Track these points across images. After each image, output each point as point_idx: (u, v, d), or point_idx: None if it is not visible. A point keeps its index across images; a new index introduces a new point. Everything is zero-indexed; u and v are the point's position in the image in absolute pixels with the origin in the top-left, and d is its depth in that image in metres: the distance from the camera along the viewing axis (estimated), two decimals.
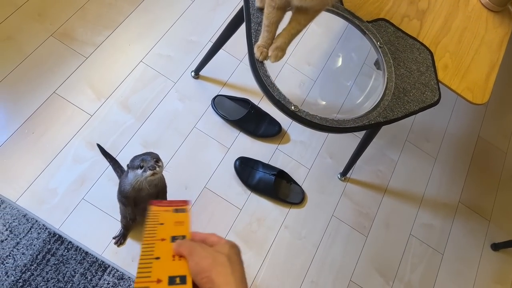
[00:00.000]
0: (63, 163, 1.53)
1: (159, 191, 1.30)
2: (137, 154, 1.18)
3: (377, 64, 1.17)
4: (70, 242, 1.43)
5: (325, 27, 1.94)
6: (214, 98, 1.78)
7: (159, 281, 0.52)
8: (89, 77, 1.68)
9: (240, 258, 0.53)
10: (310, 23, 0.95)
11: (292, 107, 0.98)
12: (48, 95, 1.61)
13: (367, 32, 1.14)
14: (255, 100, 1.82)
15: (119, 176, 1.50)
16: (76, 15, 1.78)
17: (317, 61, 1.91)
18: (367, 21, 1.15)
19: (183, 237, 0.61)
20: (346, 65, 1.32)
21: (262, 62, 1.01)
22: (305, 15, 0.92)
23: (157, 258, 0.55)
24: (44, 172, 1.50)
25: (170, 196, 1.38)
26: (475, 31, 1.28)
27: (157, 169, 1.15)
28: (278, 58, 0.98)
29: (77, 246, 1.43)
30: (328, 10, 1.13)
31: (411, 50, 1.16)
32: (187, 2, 1.96)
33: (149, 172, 1.14)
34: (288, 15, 0.99)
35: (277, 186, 1.67)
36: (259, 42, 1.02)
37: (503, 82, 2.40)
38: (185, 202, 0.68)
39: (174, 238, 0.60)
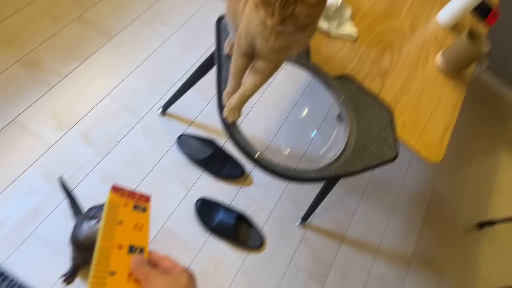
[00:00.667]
0: (16, 194, 1.46)
1: None
2: (96, 205, 1.16)
3: (339, 118, 1.21)
4: (12, 279, 1.35)
5: (292, 78, 2.01)
6: (179, 137, 1.78)
7: None
8: (52, 107, 1.65)
9: None
10: (266, 81, 0.98)
11: (256, 155, 1.00)
12: (7, 121, 1.56)
13: (331, 87, 1.18)
14: (220, 141, 1.83)
15: (75, 214, 1.45)
16: (46, 44, 1.77)
17: (284, 108, 1.96)
18: (332, 76, 1.20)
19: (141, 250, 0.59)
20: (310, 116, 1.37)
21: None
22: (261, 76, 0.96)
23: (113, 273, 0.54)
24: None
25: None
26: (432, 93, 1.36)
27: None
28: (235, 117, 1.01)
29: (21, 284, 1.35)
30: (295, 64, 1.18)
31: (372, 107, 1.21)
32: (160, 41, 1.99)
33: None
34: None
35: (236, 229, 1.66)
36: (227, 89, 1.04)
37: (456, 142, 2.53)
38: (147, 198, 0.67)
39: (132, 249, 0.59)
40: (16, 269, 1.37)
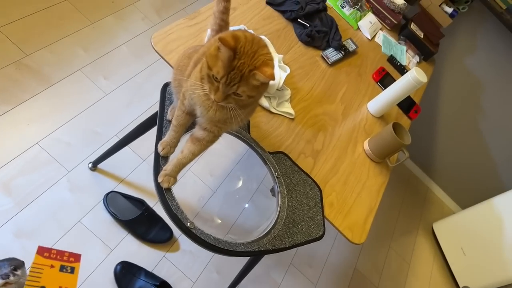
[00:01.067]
0: None
1: None
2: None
3: (272, 191, 1.25)
4: None
5: (230, 147, 2.05)
6: (107, 194, 1.72)
7: None
8: None
9: None
10: (204, 150, 1.01)
11: (188, 224, 0.99)
12: None
13: (267, 162, 1.23)
14: (150, 202, 1.78)
15: None
16: None
17: (219, 174, 1.97)
18: (268, 151, 1.25)
19: None
20: (244, 186, 1.39)
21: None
22: (199, 145, 0.99)
23: None
24: None
25: None
26: (359, 176, 1.46)
27: (11, 278, 1.02)
28: (170, 184, 1.02)
29: None
30: (235, 136, 1.22)
31: (303, 184, 1.26)
32: (100, 95, 1.97)
33: (0, 281, 1.01)
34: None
35: None
36: (164, 139, 1.05)
37: (379, 222, 2.67)
38: (76, 258, 0.64)
39: None
40: None
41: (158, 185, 1.02)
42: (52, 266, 0.63)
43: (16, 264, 1.06)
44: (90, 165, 1.74)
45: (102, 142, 1.84)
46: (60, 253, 0.64)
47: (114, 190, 1.74)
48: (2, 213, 1.50)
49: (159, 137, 1.07)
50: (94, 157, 1.76)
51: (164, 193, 1.01)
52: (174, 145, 1.04)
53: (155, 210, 1.77)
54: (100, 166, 1.77)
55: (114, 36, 2.21)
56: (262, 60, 0.80)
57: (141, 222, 1.70)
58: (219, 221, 1.34)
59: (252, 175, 1.40)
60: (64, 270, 0.62)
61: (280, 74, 1.39)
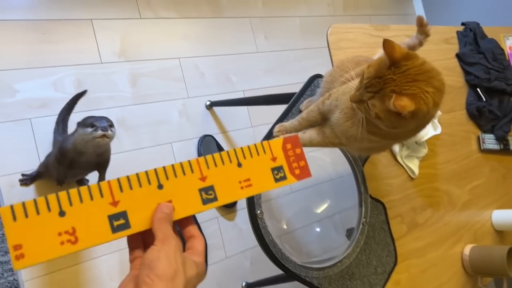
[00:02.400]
0: (43, 78, 1.45)
1: (100, 162, 1.21)
2: (94, 116, 1.12)
3: (348, 233, 1.15)
4: None
5: (335, 164, 1.96)
6: (206, 135, 1.75)
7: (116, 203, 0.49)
8: (127, 34, 1.65)
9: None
10: (321, 146, 0.94)
11: (258, 212, 0.95)
12: (84, 17, 1.57)
13: (362, 203, 1.13)
14: None
15: (55, 130, 1.37)
16: None
17: (307, 181, 1.90)
18: (370, 194, 1.15)
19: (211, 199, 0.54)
20: (325, 211, 1.31)
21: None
22: (321, 139, 0.92)
23: (160, 186, 0.51)
24: (21, 71, 1.41)
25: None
26: (441, 274, 1.29)
27: (109, 132, 1.07)
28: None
29: None
30: (348, 160, 1.13)
31: (383, 247, 1.15)
32: (252, 48, 1.99)
33: (99, 132, 1.06)
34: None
35: None
36: (285, 123, 1.01)
37: None
38: (301, 175, 0.61)
39: (201, 191, 0.54)
40: None
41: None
42: (273, 159, 0.59)
43: (111, 122, 1.11)
44: (208, 103, 1.78)
45: (230, 90, 1.87)
46: (298, 157, 0.61)
47: (213, 136, 1.77)
48: (119, 98, 1.59)
49: (281, 119, 1.03)
50: (215, 98, 1.79)
51: None
52: (290, 133, 0.99)
53: None
54: (215, 108, 1.80)
55: (294, 5, 2.20)
56: (413, 92, 0.67)
57: None
58: (285, 227, 1.29)
59: (339, 205, 1.31)
60: (274, 172, 0.59)
61: (429, 130, 1.26)
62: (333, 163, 1.28)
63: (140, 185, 0.51)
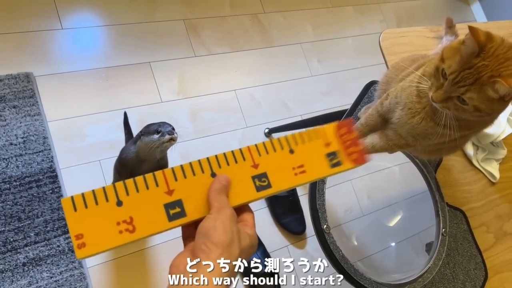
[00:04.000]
0: (109, 121, 1.53)
1: (160, 167, 1.22)
2: (154, 122, 1.14)
3: (428, 247, 1.06)
4: (59, 187, 1.39)
5: (405, 177, 1.85)
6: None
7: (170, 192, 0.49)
8: (184, 72, 1.72)
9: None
10: (383, 151, 0.88)
11: (325, 226, 0.90)
12: (142, 60, 1.65)
13: (440, 213, 1.04)
14: (299, 191, 1.74)
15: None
16: (215, 20, 1.86)
17: (378, 200, 1.81)
18: (447, 202, 1.06)
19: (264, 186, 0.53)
20: (398, 225, 1.22)
21: None
22: (384, 143, 0.86)
23: (213, 174, 0.51)
24: (88, 116, 1.50)
25: None
26: None
27: (175, 135, 1.08)
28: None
29: (62, 195, 1.39)
30: (418, 168, 1.06)
31: (469, 259, 1.04)
32: (306, 73, 1.98)
33: (167, 137, 1.07)
34: None
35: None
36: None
37: None
38: (357, 159, 0.57)
39: (254, 179, 0.53)
40: (67, 181, 1.42)
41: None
42: (326, 145, 0.57)
43: (172, 126, 1.12)
44: (267, 130, 1.78)
45: (287, 116, 1.86)
46: (353, 142, 0.57)
47: None
48: (181, 133, 1.63)
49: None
50: (273, 125, 1.79)
51: (316, 184, 0.93)
52: None
53: (300, 201, 1.72)
54: (274, 135, 1.79)
55: (346, 26, 2.19)
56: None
57: (283, 203, 1.68)
58: (355, 243, 1.21)
59: (414, 217, 1.22)
60: (330, 157, 0.56)
61: (506, 127, 1.16)
62: (401, 171, 1.20)
63: (194, 174, 0.51)
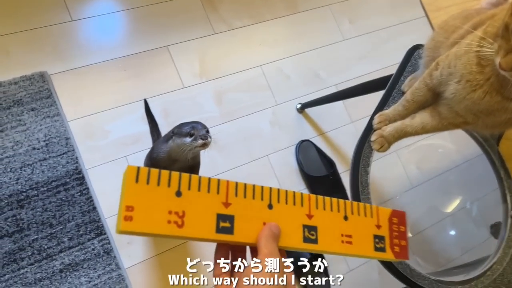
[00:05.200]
0: (131, 114, 1.45)
1: (193, 166, 1.15)
2: (184, 122, 1.05)
3: (494, 229, 0.92)
4: (87, 188, 1.34)
5: (458, 145, 1.68)
6: (302, 141, 1.61)
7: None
8: (204, 52, 1.60)
9: None
10: (438, 131, 0.74)
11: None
12: (159, 45, 1.55)
13: (507, 191, 0.89)
14: (340, 168, 1.61)
15: (153, 141, 1.39)
16: None
17: (428, 170, 1.65)
18: None
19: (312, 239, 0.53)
20: (457, 209, 1.08)
21: (373, 141, 0.83)
22: (437, 122, 0.72)
23: (270, 206, 0.51)
24: (109, 111, 1.43)
25: None
26: None
27: (208, 139, 1.00)
28: (382, 148, 0.79)
29: (91, 196, 1.34)
30: (476, 140, 0.91)
31: None
32: (339, 37, 1.81)
33: (200, 142, 0.99)
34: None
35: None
36: (386, 111, 0.84)
37: None
38: (403, 252, 0.58)
39: (305, 231, 0.53)
40: (95, 181, 1.36)
41: (358, 151, 0.82)
42: (378, 226, 0.58)
43: (206, 128, 1.03)
44: (299, 106, 1.65)
45: (320, 87, 1.71)
46: (402, 235, 0.59)
47: (311, 140, 1.62)
48: (208, 119, 1.54)
49: (380, 106, 0.86)
50: (305, 99, 1.65)
51: (360, 161, 0.81)
52: (394, 121, 0.81)
53: (341, 178, 1.59)
54: (307, 110, 1.66)
55: None
56: None
57: (323, 183, 1.56)
58: (410, 234, 1.09)
59: (475, 197, 1.07)
60: (376, 240, 0.57)
61: None
62: (457, 149, 1.05)
63: (254, 197, 0.51)
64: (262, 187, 0.51)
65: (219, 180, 0.49)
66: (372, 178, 0.85)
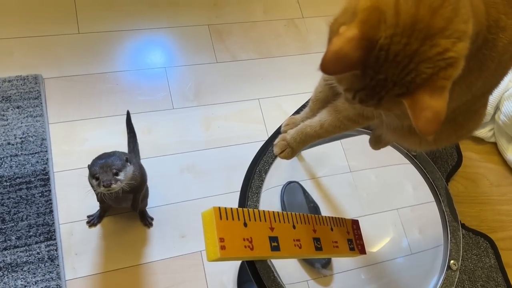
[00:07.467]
0: (113, 126, 1.45)
1: (133, 188, 1.10)
2: (103, 153, 1.00)
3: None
4: (49, 190, 1.33)
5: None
6: (290, 182, 1.49)
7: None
8: (202, 78, 1.60)
9: None
10: (337, 134, 0.64)
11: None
12: (158, 66, 1.57)
13: (450, 237, 0.71)
14: (325, 213, 1.45)
15: (129, 151, 1.36)
16: (244, 25, 1.72)
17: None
18: (464, 224, 0.72)
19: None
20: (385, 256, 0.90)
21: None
22: (334, 118, 0.62)
23: (294, 227, 0.69)
24: (92, 120, 1.44)
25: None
26: None
27: (113, 185, 0.96)
28: (284, 154, 0.72)
29: (51, 199, 1.32)
30: (416, 167, 0.75)
31: None
32: None
33: (102, 189, 0.98)
34: None
35: None
36: (296, 115, 0.76)
37: None
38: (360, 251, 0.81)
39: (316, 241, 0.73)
40: (58, 185, 1.34)
41: (258, 154, 0.77)
42: (348, 232, 0.80)
43: (118, 167, 1.00)
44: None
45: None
46: (360, 237, 0.81)
47: (300, 182, 1.50)
48: (191, 143, 1.49)
49: (297, 111, 0.77)
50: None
51: (256, 163, 0.71)
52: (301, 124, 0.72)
53: None
54: (303, 151, 1.55)
55: None
56: None
57: None
58: None
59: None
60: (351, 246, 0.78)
61: None
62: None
63: (285, 221, 0.68)
64: (296, 214, 0.71)
65: (264, 212, 0.65)
66: None
